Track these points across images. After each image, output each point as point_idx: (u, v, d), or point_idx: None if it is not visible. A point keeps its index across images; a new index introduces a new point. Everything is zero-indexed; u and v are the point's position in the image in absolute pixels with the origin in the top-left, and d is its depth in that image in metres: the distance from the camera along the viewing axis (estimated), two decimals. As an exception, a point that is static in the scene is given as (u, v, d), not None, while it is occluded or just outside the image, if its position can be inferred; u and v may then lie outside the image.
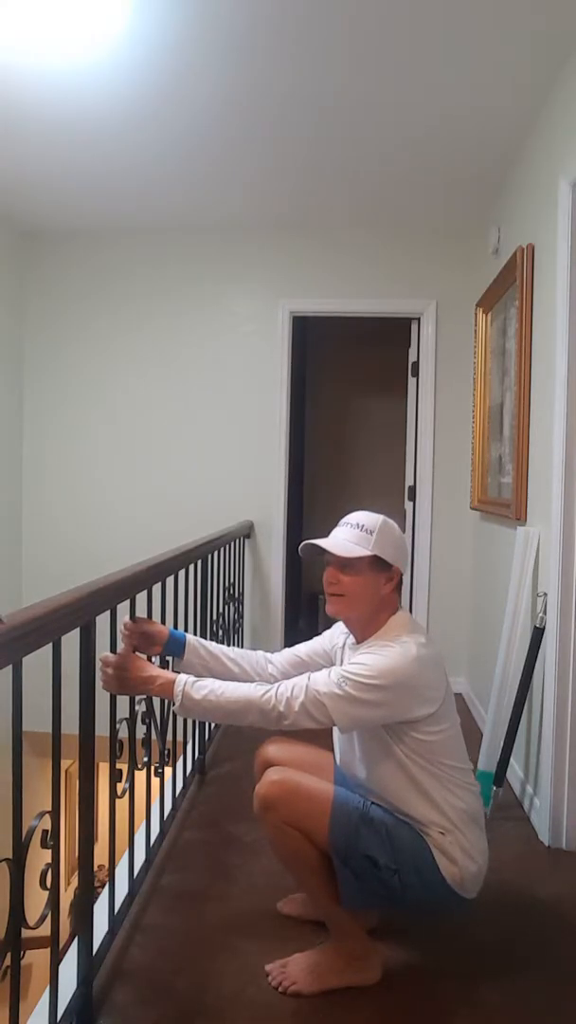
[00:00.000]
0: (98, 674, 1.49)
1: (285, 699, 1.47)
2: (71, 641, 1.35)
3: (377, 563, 1.57)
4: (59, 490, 4.07)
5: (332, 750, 1.77)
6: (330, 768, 1.73)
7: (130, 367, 4.02)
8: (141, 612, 1.82)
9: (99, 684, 1.49)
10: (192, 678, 1.52)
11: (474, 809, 1.56)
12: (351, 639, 1.68)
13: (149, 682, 1.52)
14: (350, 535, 1.60)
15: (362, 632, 1.62)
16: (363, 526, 1.60)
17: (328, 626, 1.77)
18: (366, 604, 1.59)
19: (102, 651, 1.55)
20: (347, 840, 1.49)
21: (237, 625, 3.57)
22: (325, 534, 1.66)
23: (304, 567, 5.07)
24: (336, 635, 1.77)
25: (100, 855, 1.69)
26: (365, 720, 1.48)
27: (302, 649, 1.79)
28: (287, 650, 1.81)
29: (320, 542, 1.59)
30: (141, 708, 1.85)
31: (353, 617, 1.63)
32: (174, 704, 1.50)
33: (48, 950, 1.36)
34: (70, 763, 1.79)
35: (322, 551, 1.60)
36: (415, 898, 1.50)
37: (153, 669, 1.55)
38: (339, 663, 1.65)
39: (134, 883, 1.85)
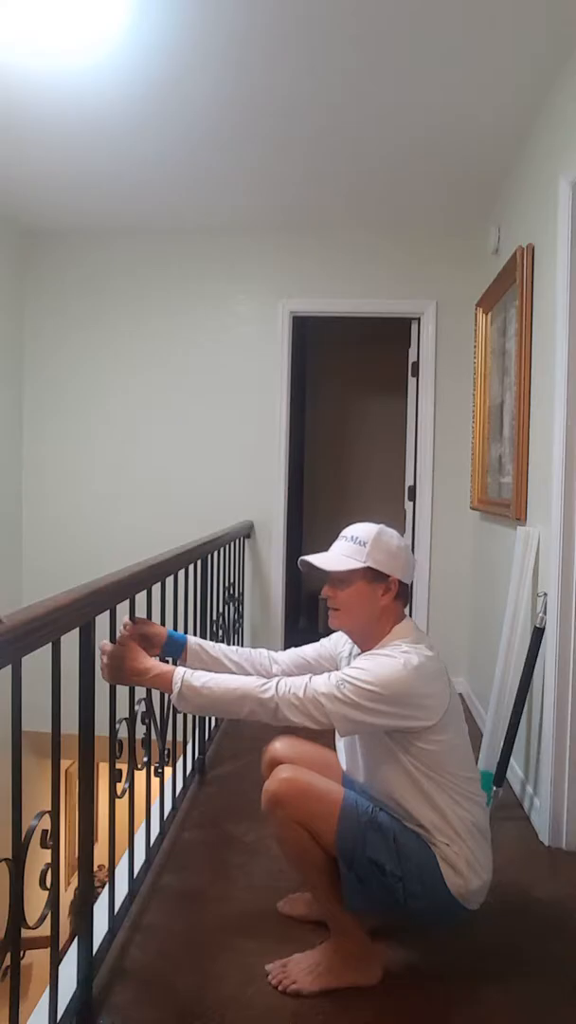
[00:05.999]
0: (98, 673, 1.49)
1: (283, 693, 1.47)
2: (71, 641, 1.35)
3: (372, 574, 1.57)
4: (59, 490, 4.07)
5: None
6: (338, 769, 1.73)
7: (130, 367, 4.02)
8: (141, 612, 1.82)
9: (99, 684, 1.49)
10: (190, 670, 1.53)
11: (481, 822, 1.56)
12: (356, 648, 1.67)
13: (144, 673, 1.52)
14: (344, 548, 1.60)
15: (364, 643, 1.61)
16: (357, 538, 1.59)
17: (328, 626, 1.77)
18: (364, 616, 1.59)
19: (102, 651, 1.55)
20: (354, 843, 1.49)
21: (237, 625, 3.57)
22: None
23: (304, 567, 5.07)
24: (342, 642, 1.77)
25: (100, 855, 1.69)
26: (362, 725, 1.48)
27: (309, 651, 1.79)
28: (292, 650, 1.81)
29: (312, 558, 1.59)
30: (141, 708, 1.85)
31: (353, 629, 1.63)
32: (171, 694, 1.49)
33: (48, 950, 1.36)
34: (70, 763, 1.80)
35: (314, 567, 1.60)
36: (418, 907, 1.50)
37: (149, 661, 1.55)
38: None
39: (134, 883, 1.85)
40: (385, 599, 1.59)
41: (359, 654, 1.63)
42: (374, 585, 1.57)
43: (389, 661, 1.49)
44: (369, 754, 1.59)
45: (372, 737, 1.56)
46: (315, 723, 1.47)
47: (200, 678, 1.50)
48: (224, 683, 1.51)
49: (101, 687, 1.51)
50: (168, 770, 2.20)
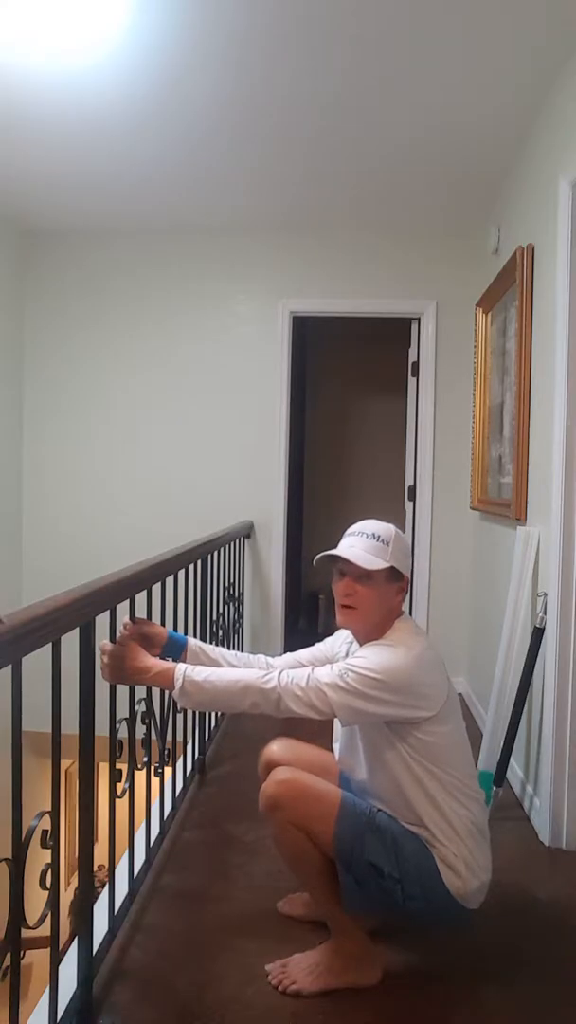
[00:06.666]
0: (98, 673, 1.49)
1: (285, 684, 1.47)
2: (71, 641, 1.35)
3: (392, 574, 1.58)
4: (59, 490, 4.07)
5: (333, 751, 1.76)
6: (335, 771, 1.72)
7: (130, 367, 4.02)
8: (141, 612, 1.82)
9: (99, 684, 1.49)
10: (191, 666, 1.53)
11: (480, 821, 1.56)
12: (355, 647, 1.67)
13: (145, 672, 1.52)
14: (367, 546, 1.57)
15: (367, 639, 1.61)
16: (379, 536, 1.58)
17: (328, 626, 1.78)
18: (377, 615, 1.59)
19: (102, 651, 1.55)
20: (352, 845, 1.49)
21: (237, 625, 3.57)
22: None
23: (304, 567, 5.07)
24: (338, 644, 1.77)
25: (100, 855, 1.69)
26: (365, 714, 1.48)
27: (304, 655, 1.79)
28: (288, 655, 1.81)
29: (342, 553, 1.56)
30: (141, 708, 1.85)
31: (362, 628, 1.62)
32: (173, 690, 1.49)
33: (48, 950, 1.36)
34: (70, 763, 1.80)
35: (334, 561, 1.58)
36: (417, 908, 1.50)
37: (150, 660, 1.55)
38: None
39: (134, 883, 1.85)
40: (398, 598, 1.60)
41: (358, 650, 1.64)
42: (391, 584, 1.58)
43: (391, 650, 1.50)
44: (369, 745, 1.59)
45: (372, 728, 1.56)
46: (318, 713, 1.47)
47: (201, 673, 1.51)
48: (226, 676, 1.51)
49: (101, 687, 1.51)
50: (168, 770, 2.20)
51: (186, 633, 2.03)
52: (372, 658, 1.48)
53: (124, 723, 1.74)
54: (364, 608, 1.57)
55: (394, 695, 1.46)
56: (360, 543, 1.58)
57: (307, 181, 3.29)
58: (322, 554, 1.59)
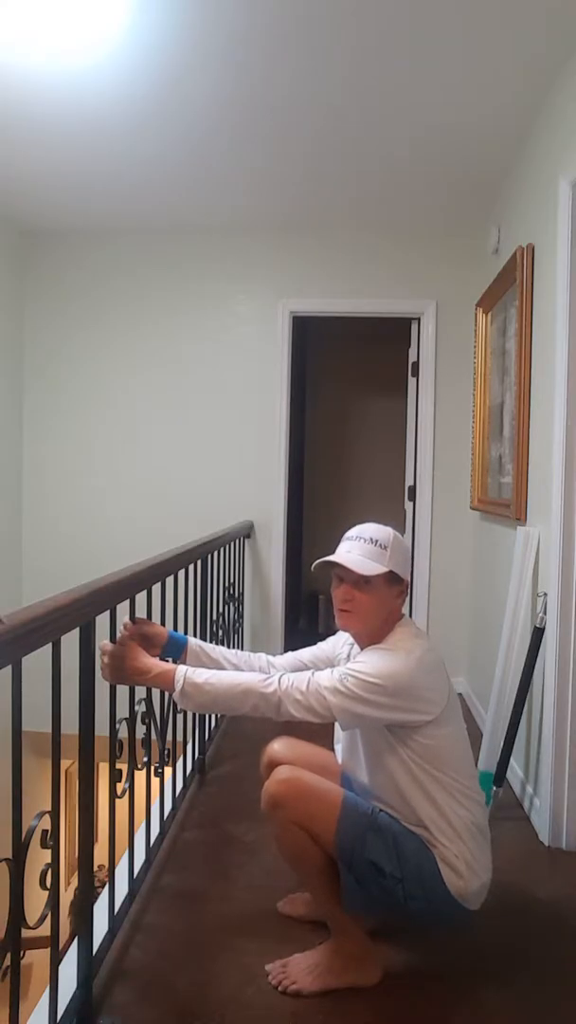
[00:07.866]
0: (98, 673, 1.49)
1: (286, 688, 1.47)
2: (71, 641, 1.35)
3: (391, 578, 1.57)
4: (59, 490, 4.07)
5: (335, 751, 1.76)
6: (336, 770, 1.72)
7: (130, 367, 4.02)
8: (141, 612, 1.81)
9: (99, 684, 1.49)
10: (191, 667, 1.53)
11: (480, 821, 1.56)
12: (356, 649, 1.67)
13: (145, 672, 1.52)
14: (365, 550, 1.57)
15: (368, 642, 1.61)
16: (377, 541, 1.58)
17: (328, 627, 1.78)
18: (377, 618, 1.59)
19: (102, 651, 1.54)
20: (353, 844, 1.49)
21: (237, 625, 3.57)
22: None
23: (304, 567, 5.07)
24: (340, 644, 1.77)
25: (100, 855, 1.69)
26: (365, 718, 1.48)
27: (305, 654, 1.79)
28: (289, 654, 1.81)
29: (339, 559, 1.56)
30: (141, 708, 1.85)
31: (363, 631, 1.62)
32: (174, 691, 1.49)
33: (48, 950, 1.36)
34: (70, 763, 1.80)
35: (332, 566, 1.58)
36: (418, 908, 1.50)
37: (150, 660, 1.55)
38: None
39: (134, 883, 1.85)
40: (397, 601, 1.60)
41: (358, 654, 1.63)
42: (391, 588, 1.58)
43: (391, 655, 1.50)
44: (369, 747, 1.59)
45: (372, 731, 1.56)
46: (318, 717, 1.47)
47: (202, 675, 1.51)
48: (227, 679, 1.51)
49: (101, 687, 1.51)
50: (168, 770, 2.20)
51: (186, 633, 2.03)
52: (372, 662, 1.48)
53: (124, 723, 1.74)
54: (363, 613, 1.57)
55: (394, 699, 1.46)
56: (358, 548, 1.58)
57: (307, 181, 3.29)
58: (320, 560, 1.59)
